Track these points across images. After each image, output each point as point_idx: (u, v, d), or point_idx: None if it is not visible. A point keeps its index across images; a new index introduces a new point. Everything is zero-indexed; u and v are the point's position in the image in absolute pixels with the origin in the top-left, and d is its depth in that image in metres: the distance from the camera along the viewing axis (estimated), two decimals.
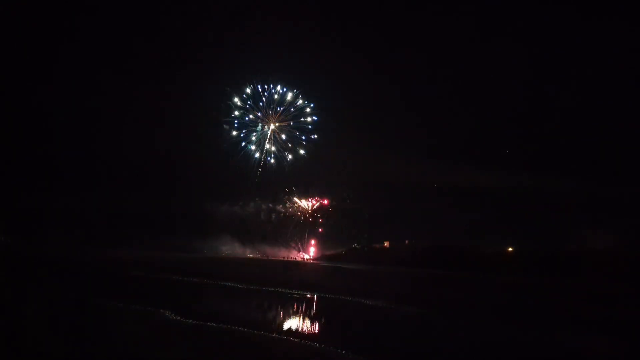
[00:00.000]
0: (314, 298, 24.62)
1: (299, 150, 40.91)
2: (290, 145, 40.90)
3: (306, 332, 17.99)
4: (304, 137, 40.92)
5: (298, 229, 41.38)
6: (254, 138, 41.13)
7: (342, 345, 15.15)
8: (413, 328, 19.16)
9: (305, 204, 41.59)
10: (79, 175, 39.90)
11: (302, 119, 40.72)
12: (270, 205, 41.80)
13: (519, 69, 36.83)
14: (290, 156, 41.07)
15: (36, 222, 38.07)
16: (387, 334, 18.04)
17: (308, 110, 40.58)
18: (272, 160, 41.25)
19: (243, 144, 41.08)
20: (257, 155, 41.21)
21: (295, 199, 41.83)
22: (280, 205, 42.06)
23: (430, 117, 39.21)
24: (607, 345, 17.39)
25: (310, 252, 41.52)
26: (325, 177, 41.39)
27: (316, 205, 41.14)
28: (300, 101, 40.66)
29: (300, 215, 42.33)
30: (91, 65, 39.65)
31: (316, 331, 18.51)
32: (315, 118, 40.48)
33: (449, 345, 16.65)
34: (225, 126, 40.53)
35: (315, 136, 40.68)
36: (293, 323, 19.74)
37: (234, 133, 40.85)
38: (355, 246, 41.64)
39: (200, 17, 41.05)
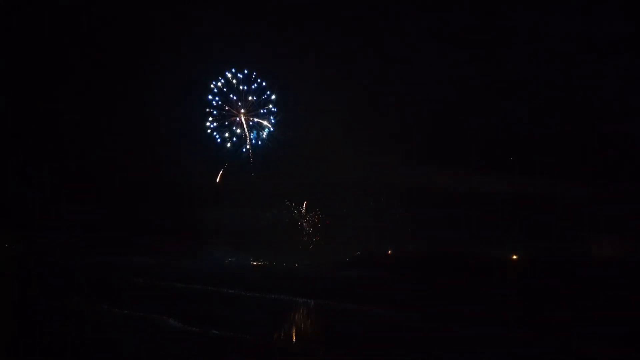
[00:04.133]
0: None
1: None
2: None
3: None
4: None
5: (301, 234, 41.22)
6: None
7: None
8: None
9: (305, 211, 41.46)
10: (79, 183, 40.09)
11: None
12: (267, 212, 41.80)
13: (522, 72, 36.43)
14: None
15: (40, 227, 38.25)
16: None
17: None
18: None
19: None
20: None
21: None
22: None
23: (433, 122, 38.87)
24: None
25: (308, 258, 41.25)
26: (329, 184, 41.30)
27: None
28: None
29: (302, 222, 42.14)
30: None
31: None
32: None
33: None
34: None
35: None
36: None
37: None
38: (358, 253, 41.21)
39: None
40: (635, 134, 33.16)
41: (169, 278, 30.55)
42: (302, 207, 41.78)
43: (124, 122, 39.94)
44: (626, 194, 31.84)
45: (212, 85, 41.25)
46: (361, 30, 40.13)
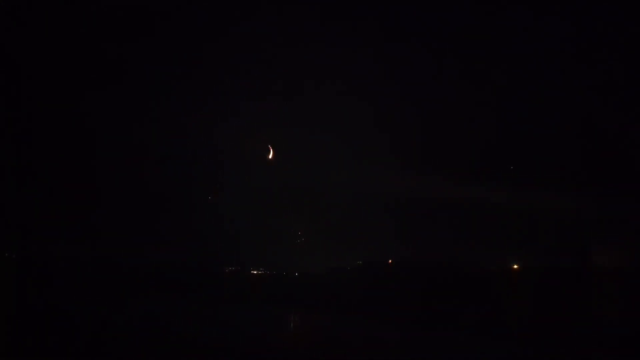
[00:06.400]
0: None
1: None
2: None
3: None
4: None
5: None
6: None
7: None
8: None
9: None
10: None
11: None
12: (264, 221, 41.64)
13: (522, 77, 36.34)
14: None
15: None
16: None
17: None
18: None
19: None
20: None
21: None
22: None
23: (430, 130, 38.82)
24: None
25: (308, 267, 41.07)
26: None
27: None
28: None
29: (300, 230, 41.99)
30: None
31: None
32: None
33: None
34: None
35: None
36: None
37: None
38: (359, 263, 41.00)
39: None
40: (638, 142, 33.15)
41: None
42: (300, 215, 41.69)
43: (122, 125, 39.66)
44: (629, 203, 31.83)
45: None
46: (354, 33, 40.12)
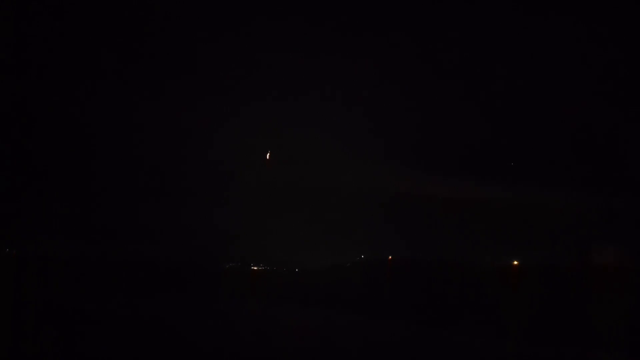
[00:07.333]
0: None
1: None
2: None
3: None
4: None
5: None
6: None
7: None
8: None
9: None
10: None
11: None
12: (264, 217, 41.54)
13: (521, 74, 36.17)
14: None
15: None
16: None
17: None
18: None
19: None
20: None
21: None
22: None
23: (429, 127, 38.65)
24: None
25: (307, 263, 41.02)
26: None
27: None
28: None
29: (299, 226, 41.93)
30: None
31: None
32: None
33: None
34: None
35: None
36: None
37: None
38: (362, 257, 40.92)
39: None
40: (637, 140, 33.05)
41: None
42: (301, 211, 41.62)
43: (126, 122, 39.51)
44: (629, 201, 31.78)
45: None
46: (349, 33, 39.91)
